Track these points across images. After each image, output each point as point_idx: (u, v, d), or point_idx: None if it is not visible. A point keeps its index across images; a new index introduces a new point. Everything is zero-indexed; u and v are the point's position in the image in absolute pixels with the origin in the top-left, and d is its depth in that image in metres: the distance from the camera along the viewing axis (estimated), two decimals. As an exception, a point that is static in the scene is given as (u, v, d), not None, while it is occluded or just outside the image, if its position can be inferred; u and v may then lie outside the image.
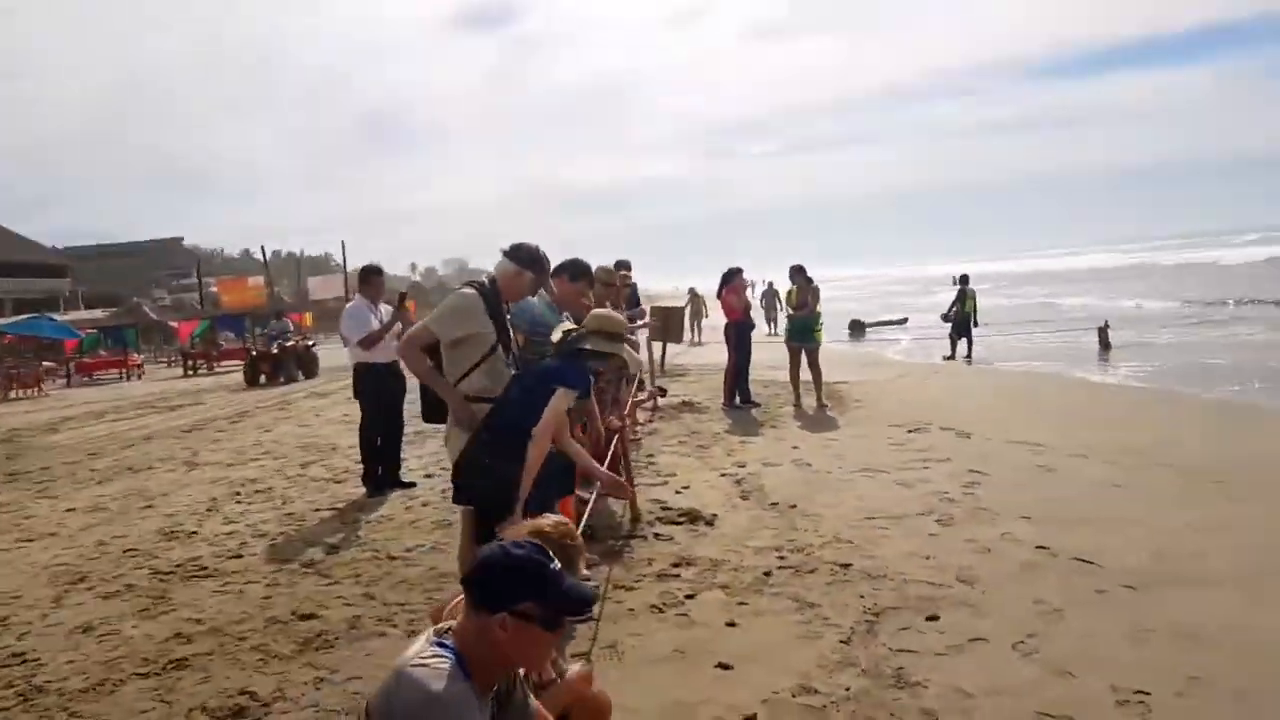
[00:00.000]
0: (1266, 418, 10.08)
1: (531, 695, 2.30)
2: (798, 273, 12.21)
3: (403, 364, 4.49)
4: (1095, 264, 75.90)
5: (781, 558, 5.50)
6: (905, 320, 31.31)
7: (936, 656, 4.05)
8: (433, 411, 4.59)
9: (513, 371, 4.40)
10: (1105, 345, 18.26)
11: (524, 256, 4.43)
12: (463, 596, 2.86)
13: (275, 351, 22.23)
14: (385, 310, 7.97)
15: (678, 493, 7.23)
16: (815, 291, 12.13)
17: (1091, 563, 5.16)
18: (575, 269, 5.54)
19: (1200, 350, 17.47)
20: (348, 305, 8.12)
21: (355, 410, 14.14)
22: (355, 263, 48.05)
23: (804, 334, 12.04)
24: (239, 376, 23.09)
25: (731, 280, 12.11)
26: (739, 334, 12.06)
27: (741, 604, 4.80)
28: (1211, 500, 6.40)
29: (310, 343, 24.93)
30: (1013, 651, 4.08)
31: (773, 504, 6.81)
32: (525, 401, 4.03)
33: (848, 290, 60.53)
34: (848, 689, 3.76)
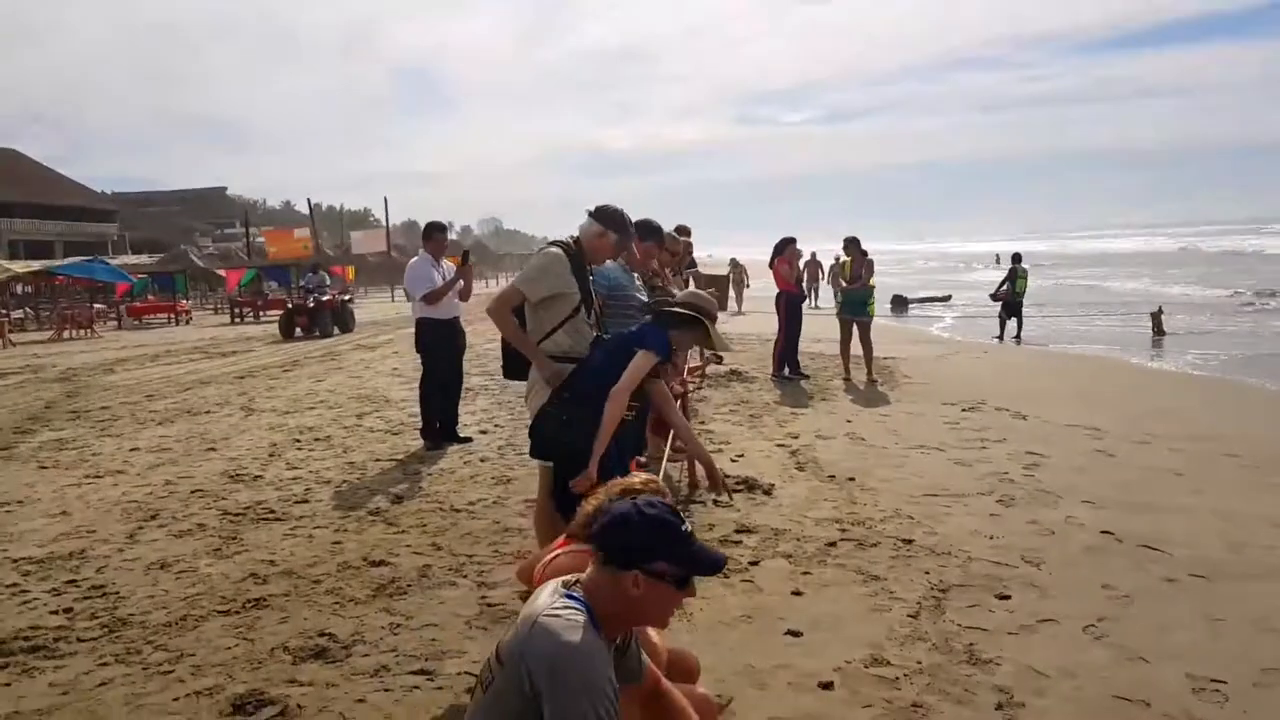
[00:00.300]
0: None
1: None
2: (852, 244, 12.10)
3: (492, 321, 4.47)
4: (1138, 248, 74.65)
5: (843, 530, 5.52)
6: (949, 297, 31.01)
7: (1007, 635, 4.06)
8: (513, 368, 4.61)
9: (594, 333, 4.41)
10: (1159, 331, 17.95)
11: (609, 217, 4.41)
12: (556, 553, 2.95)
13: (312, 305, 21.85)
14: (448, 266, 8.03)
15: (733, 460, 7.26)
16: (869, 264, 12.02)
17: (1159, 550, 5.13)
18: (646, 228, 5.51)
19: (1257, 340, 17.12)
20: (411, 260, 8.19)
21: (404, 364, 14.50)
22: (395, 218, 48.61)
23: (857, 307, 11.97)
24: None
25: (784, 250, 12.03)
26: (790, 305, 12.01)
27: (805, 574, 4.83)
28: (1276, 494, 6.31)
29: (347, 297, 25.00)
30: (1084, 635, 4.08)
31: (830, 476, 6.82)
32: (607, 363, 4.05)
33: (885, 264, 59.76)
34: (919, 662, 3.79)
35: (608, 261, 4.95)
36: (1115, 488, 6.42)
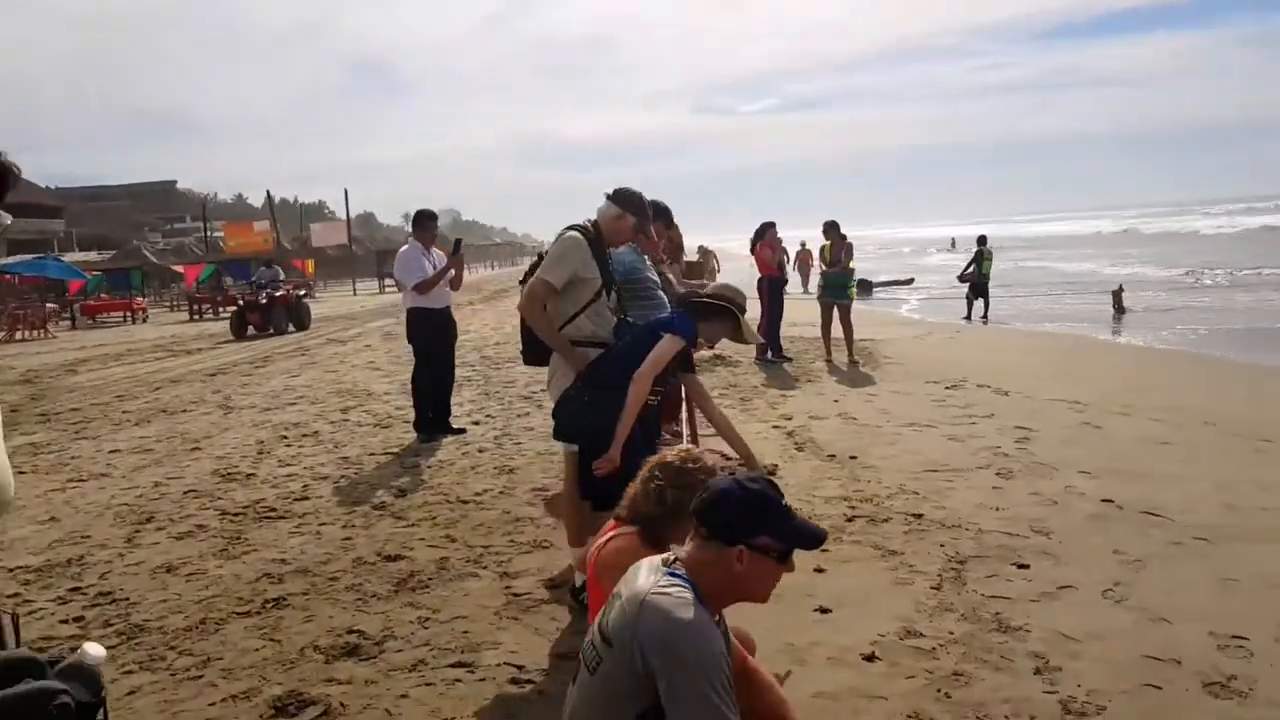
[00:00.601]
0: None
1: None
2: (831, 228, 12.19)
3: (523, 314, 4.41)
4: (1083, 230, 76.07)
5: (852, 507, 5.58)
6: (912, 280, 31.35)
7: (1030, 603, 4.15)
8: (533, 354, 4.59)
9: (616, 318, 4.41)
10: (1120, 309, 18.33)
11: (627, 200, 4.39)
12: (608, 537, 2.95)
13: (264, 301, 20.82)
14: (438, 255, 7.95)
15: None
16: (849, 248, 12.14)
17: (1160, 515, 5.26)
18: (655, 209, 5.51)
19: (1214, 315, 17.57)
20: (401, 250, 8.09)
21: (379, 357, 14.36)
22: (351, 210, 47.96)
23: (838, 290, 12.08)
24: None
25: (764, 235, 12.10)
26: (772, 289, 12.09)
27: (824, 550, 4.85)
28: (1260, 460, 6.49)
29: (301, 293, 24.21)
30: (1104, 599, 4.18)
31: (830, 456, 6.89)
32: (632, 347, 4.05)
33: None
34: (951, 633, 3.86)
35: (621, 246, 4.94)
36: (1107, 458, 6.57)
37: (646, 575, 2.09)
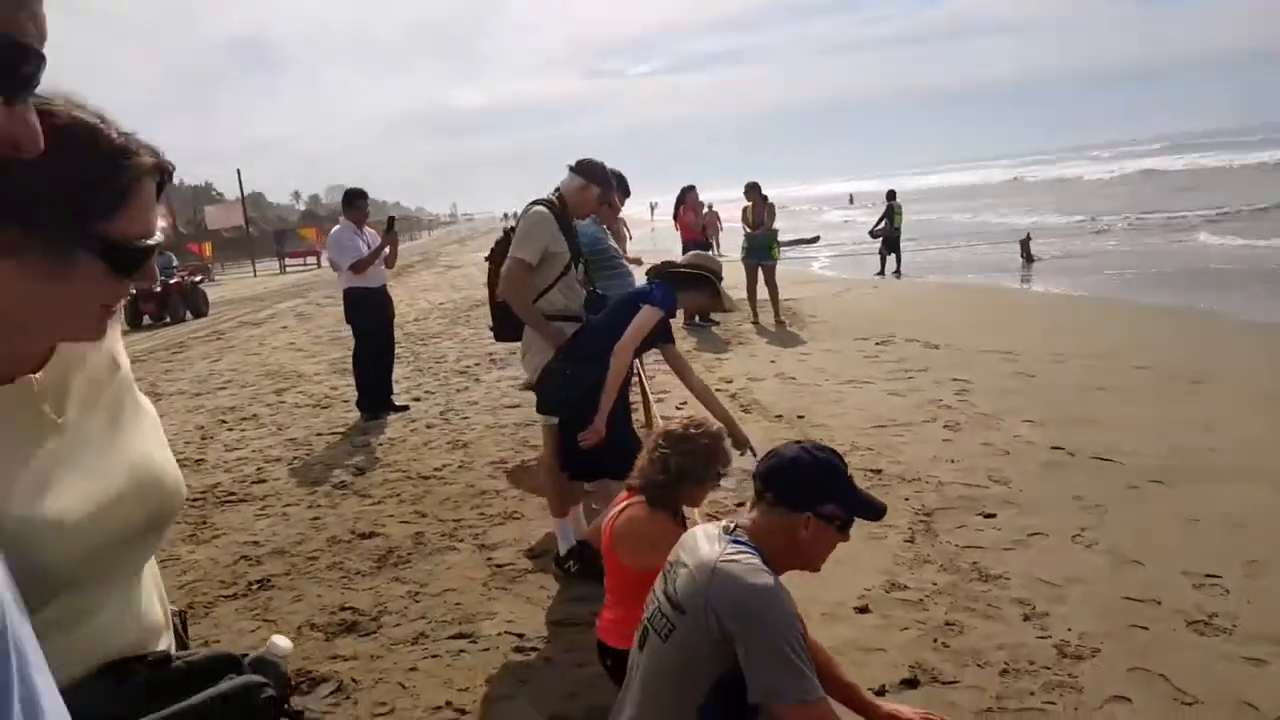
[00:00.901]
0: (1218, 322, 10.50)
1: None
2: (753, 189, 12.16)
3: (509, 301, 4.29)
4: (969, 181, 78.28)
5: (811, 466, 5.57)
6: (818, 238, 31.72)
7: (1004, 551, 4.19)
8: (505, 329, 4.52)
9: (584, 290, 4.34)
10: (1029, 257, 18.84)
11: (590, 171, 4.32)
12: (623, 506, 2.88)
13: (158, 290, 18.83)
14: (370, 234, 7.68)
15: (678, 408, 7.20)
16: (771, 209, 12.13)
17: (1112, 460, 5.38)
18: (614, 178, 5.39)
19: (1120, 259, 18.16)
20: (333, 231, 7.78)
21: (299, 338, 13.88)
22: (237, 191, 46.23)
23: (762, 252, 12.07)
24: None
25: (686, 199, 12.00)
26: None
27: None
28: (1196, 400, 6.71)
29: (198, 278, 22.95)
30: (1074, 544, 4.24)
31: (778, 416, 6.89)
32: (611, 319, 4.01)
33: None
34: (935, 583, 3.87)
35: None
36: (1048, 406, 6.70)
37: (710, 543, 2.06)
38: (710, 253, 12.70)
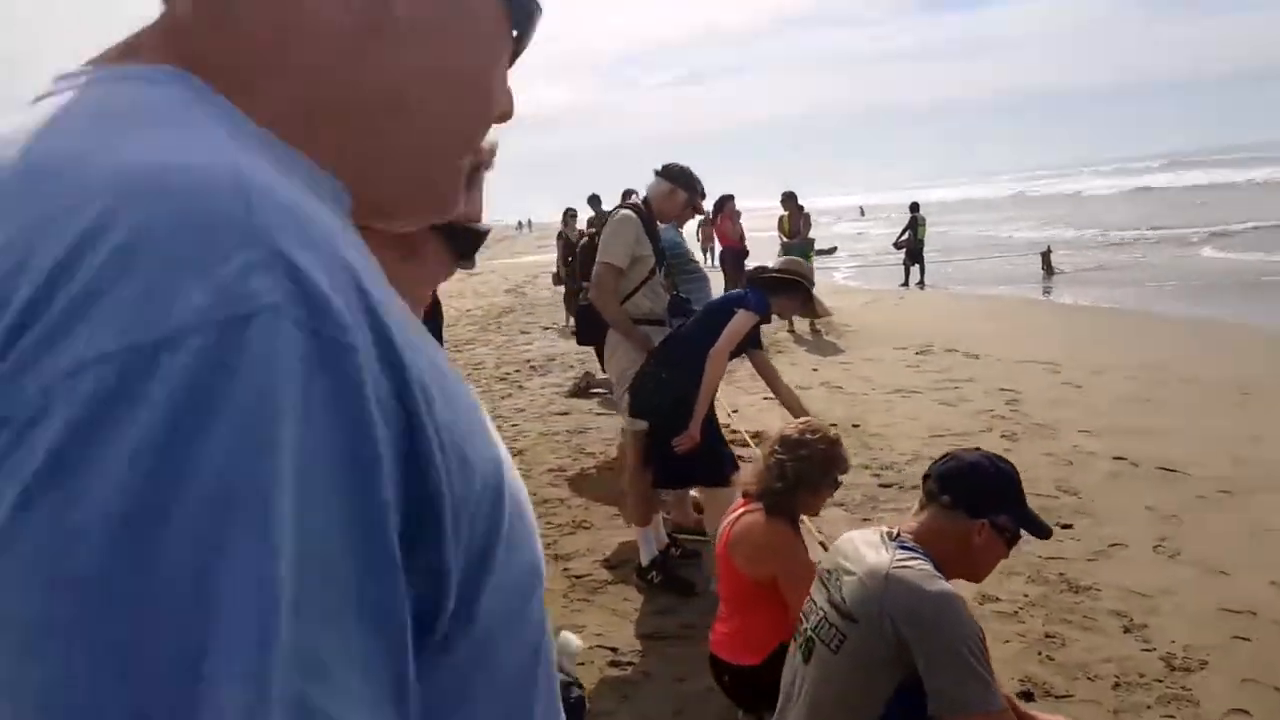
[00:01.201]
0: (1250, 333, 10.48)
1: None
2: (789, 199, 12.22)
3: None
4: (976, 195, 78.26)
5: (876, 475, 5.61)
6: (835, 249, 31.71)
7: (1088, 562, 4.22)
8: (587, 333, 4.54)
9: (669, 294, 4.37)
10: (1050, 270, 18.86)
11: (677, 175, 4.36)
12: (740, 512, 2.91)
13: None
14: None
15: (730, 414, 7.25)
16: (807, 218, 12.19)
17: (1176, 471, 5.40)
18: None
19: (1141, 272, 18.19)
20: None
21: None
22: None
23: (797, 261, 12.09)
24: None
25: (724, 208, 12.05)
26: (735, 261, 12.06)
27: (865, 520, 4.87)
28: (1246, 412, 6.72)
29: None
30: (1156, 554, 4.27)
31: (832, 425, 6.88)
32: (704, 324, 4.05)
33: (755, 221, 61.01)
34: (1026, 595, 3.90)
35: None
36: (1100, 416, 6.73)
37: (874, 549, 2.07)
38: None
